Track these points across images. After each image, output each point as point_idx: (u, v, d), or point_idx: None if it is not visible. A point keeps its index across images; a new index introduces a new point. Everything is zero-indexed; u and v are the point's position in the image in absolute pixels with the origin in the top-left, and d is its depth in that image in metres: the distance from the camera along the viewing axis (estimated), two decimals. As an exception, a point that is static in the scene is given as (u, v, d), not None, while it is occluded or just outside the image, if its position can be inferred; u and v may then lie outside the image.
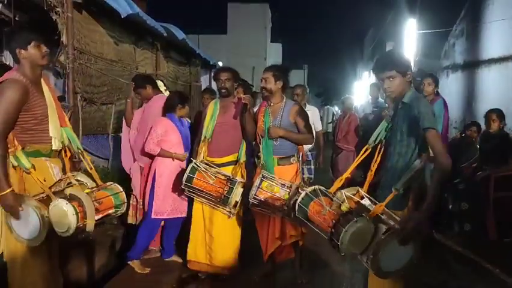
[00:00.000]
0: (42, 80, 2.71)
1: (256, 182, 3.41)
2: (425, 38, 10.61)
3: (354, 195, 2.52)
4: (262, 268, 3.86)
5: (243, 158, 3.82)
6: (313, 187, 2.63)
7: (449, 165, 2.28)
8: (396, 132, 2.53)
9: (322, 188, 2.62)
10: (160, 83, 4.62)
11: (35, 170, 2.53)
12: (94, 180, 2.80)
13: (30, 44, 2.55)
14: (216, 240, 3.80)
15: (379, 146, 2.68)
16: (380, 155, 2.63)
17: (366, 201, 2.43)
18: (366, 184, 2.62)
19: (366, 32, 27.47)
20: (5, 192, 2.40)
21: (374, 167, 2.63)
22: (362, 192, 2.51)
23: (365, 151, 2.72)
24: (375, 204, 2.43)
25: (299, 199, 2.59)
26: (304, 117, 3.69)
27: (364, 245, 2.30)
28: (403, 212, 2.40)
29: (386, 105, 7.00)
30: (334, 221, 2.32)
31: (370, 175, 2.63)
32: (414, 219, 2.27)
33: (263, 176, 3.45)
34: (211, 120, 3.85)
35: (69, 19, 4.53)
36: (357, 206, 2.42)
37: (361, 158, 2.73)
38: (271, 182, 3.42)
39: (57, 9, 4.46)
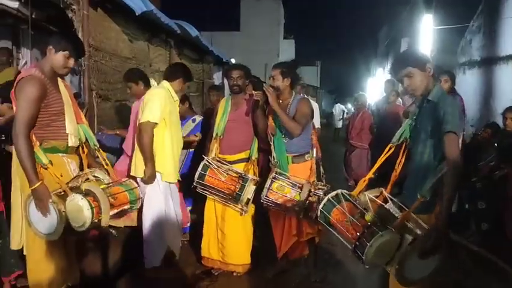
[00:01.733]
0: (58, 78, 2.75)
1: (267, 183, 3.41)
2: (441, 34, 10.45)
3: (377, 196, 2.44)
4: (275, 265, 3.86)
5: (255, 155, 3.82)
6: (335, 192, 2.54)
7: (460, 170, 2.22)
8: (420, 131, 2.44)
9: (345, 192, 2.53)
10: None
11: (52, 165, 2.57)
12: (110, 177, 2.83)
13: (63, 52, 2.64)
14: (228, 237, 3.81)
15: (403, 145, 2.59)
16: (404, 155, 2.55)
17: (390, 205, 2.35)
18: (390, 185, 2.54)
19: (381, 28, 27.16)
20: (36, 186, 2.45)
21: (398, 167, 2.55)
22: (386, 194, 2.42)
23: (389, 150, 2.63)
24: (399, 207, 2.34)
25: (321, 205, 2.52)
26: (304, 110, 3.60)
27: (389, 256, 2.23)
28: (429, 216, 2.32)
29: (390, 101, 6.96)
30: (358, 234, 2.24)
31: (394, 175, 2.55)
32: (436, 230, 2.21)
33: (274, 177, 3.43)
34: (222, 117, 3.86)
35: (85, 17, 4.56)
36: (382, 212, 2.33)
37: (385, 157, 2.63)
38: (282, 183, 3.41)
39: (73, 6, 4.49)
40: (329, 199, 2.50)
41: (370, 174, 2.73)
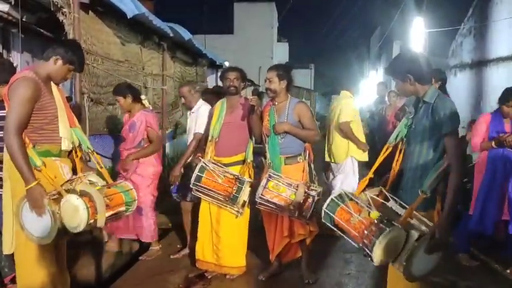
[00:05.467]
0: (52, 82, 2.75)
1: (263, 181, 3.42)
2: (433, 36, 10.54)
3: (377, 195, 2.47)
4: (269, 268, 3.86)
5: (250, 158, 3.83)
6: (338, 192, 2.57)
7: (462, 171, 2.30)
8: (417, 132, 2.47)
9: (347, 191, 2.55)
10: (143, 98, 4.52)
11: (45, 167, 2.55)
12: (104, 180, 2.81)
13: (69, 65, 2.67)
14: (222, 240, 3.80)
15: (400, 145, 2.61)
16: (401, 154, 2.58)
17: (392, 203, 2.38)
18: (389, 184, 2.56)
19: (373, 30, 27.34)
20: (31, 185, 2.43)
21: (396, 166, 2.57)
22: (386, 192, 2.45)
23: (386, 150, 2.64)
24: (400, 205, 2.38)
25: (325, 205, 2.51)
26: (309, 114, 3.69)
27: (396, 253, 2.25)
28: (428, 213, 2.36)
29: (388, 103, 6.99)
30: (366, 231, 2.26)
31: (392, 175, 2.58)
32: (441, 228, 2.25)
33: (269, 176, 3.45)
34: (218, 120, 3.86)
35: (76, 20, 4.54)
36: (384, 210, 2.36)
37: (382, 157, 2.64)
38: (277, 182, 3.42)
39: (64, 9, 4.46)
40: (332, 199, 2.50)
41: (370, 174, 2.74)
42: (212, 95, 5.50)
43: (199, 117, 4.22)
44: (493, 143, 3.96)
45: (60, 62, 2.65)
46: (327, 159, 5.32)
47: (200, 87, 4.47)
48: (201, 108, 4.30)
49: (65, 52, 2.66)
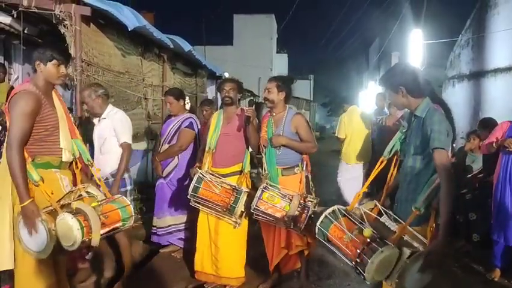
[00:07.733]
0: (53, 92, 2.76)
1: (258, 192, 3.43)
2: (431, 48, 10.60)
3: (372, 209, 2.47)
4: (268, 279, 3.85)
5: (247, 168, 3.84)
6: (332, 208, 2.53)
7: (453, 185, 2.27)
8: (410, 146, 2.48)
9: (341, 207, 2.53)
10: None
11: (43, 182, 2.55)
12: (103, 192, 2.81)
13: (51, 62, 2.63)
14: (221, 250, 3.80)
15: (395, 158, 2.62)
16: (396, 167, 2.59)
17: (385, 218, 2.38)
18: (383, 197, 2.57)
19: (372, 42, 27.53)
20: (25, 203, 2.43)
21: (390, 179, 2.58)
22: (380, 206, 2.46)
23: (381, 163, 2.64)
24: (394, 220, 2.37)
25: (318, 222, 2.50)
26: (305, 125, 3.71)
27: (389, 271, 2.25)
28: (422, 228, 2.35)
29: (388, 114, 7.00)
30: (359, 251, 2.25)
31: (386, 188, 2.59)
32: (438, 244, 2.24)
33: (264, 187, 3.46)
34: (215, 130, 3.88)
35: (77, 32, 4.59)
36: (378, 225, 2.36)
37: (377, 170, 2.65)
38: (272, 193, 3.44)
39: (66, 22, 4.52)
40: (326, 216, 2.49)
41: (364, 189, 2.75)
42: (210, 105, 5.54)
43: (118, 124, 3.80)
44: (494, 144, 4.03)
45: (41, 65, 2.63)
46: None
47: (104, 91, 3.92)
48: (117, 114, 3.86)
49: (38, 53, 2.64)
